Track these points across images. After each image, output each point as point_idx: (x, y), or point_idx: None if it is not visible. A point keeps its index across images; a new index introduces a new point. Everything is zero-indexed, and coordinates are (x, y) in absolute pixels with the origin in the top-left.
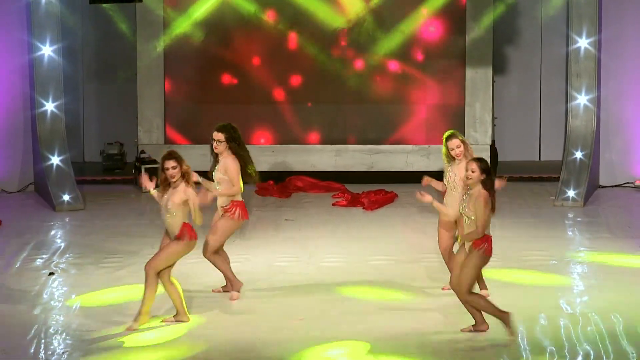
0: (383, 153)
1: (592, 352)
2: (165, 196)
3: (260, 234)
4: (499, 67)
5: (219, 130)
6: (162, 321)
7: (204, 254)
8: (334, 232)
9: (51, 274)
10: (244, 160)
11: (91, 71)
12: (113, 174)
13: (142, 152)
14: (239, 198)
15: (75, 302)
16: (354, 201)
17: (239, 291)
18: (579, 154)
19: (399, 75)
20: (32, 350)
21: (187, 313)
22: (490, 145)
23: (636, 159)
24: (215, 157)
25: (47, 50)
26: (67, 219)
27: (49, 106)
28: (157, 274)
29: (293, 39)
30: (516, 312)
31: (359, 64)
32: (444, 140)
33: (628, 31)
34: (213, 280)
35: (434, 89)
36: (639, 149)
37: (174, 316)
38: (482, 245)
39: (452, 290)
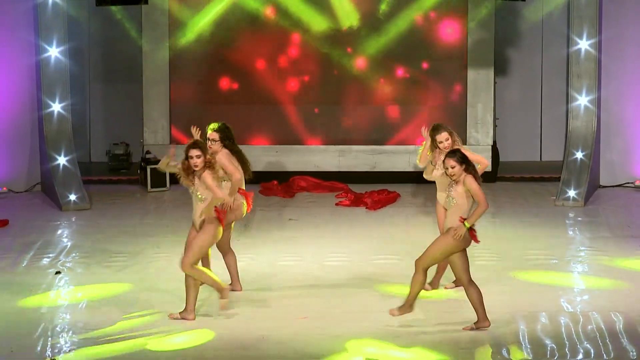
0: (386, 153)
1: (592, 351)
2: (196, 183)
3: (264, 234)
4: (501, 68)
5: (212, 130)
6: (169, 316)
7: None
8: (337, 231)
9: (57, 272)
10: (241, 157)
11: (97, 72)
12: (119, 174)
13: (148, 152)
14: (242, 186)
15: (81, 300)
16: (357, 201)
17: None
18: (579, 154)
19: (401, 77)
20: (39, 349)
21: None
22: (492, 146)
23: (636, 159)
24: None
25: (53, 52)
26: (73, 219)
27: (56, 107)
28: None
29: (297, 40)
30: (517, 311)
31: (363, 65)
32: (430, 132)
33: (628, 32)
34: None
35: (436, 90)
36: (639, 150)
37: (180, 313)
38: (460, 227)
39: (454, 287)
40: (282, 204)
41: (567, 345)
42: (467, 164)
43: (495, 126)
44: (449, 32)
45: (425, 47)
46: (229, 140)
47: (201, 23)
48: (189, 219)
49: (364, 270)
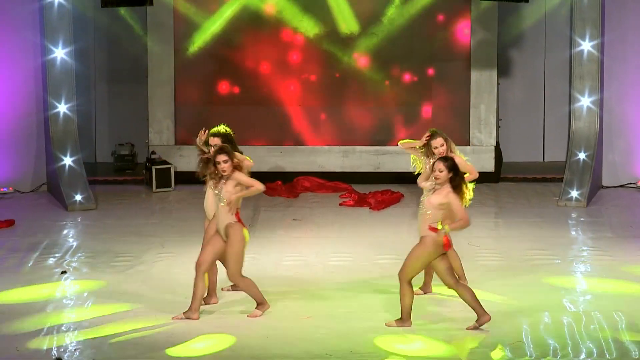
0: (389, 154)
1: (594, 350)
2: (220, 186)
3: (268, 234)
4: (504, 69)
5: (214, 136)
6: (172, 318)
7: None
8: (341, 231)
9: (63, 272)
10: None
11: (103, 73)
12: (124, 174)
13: (153, 152)
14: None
15: (87, 300)
16: (361, 201)
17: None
18: (582, 155)
19: (405, 78)
20: (45, 348)
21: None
22: (495, 147)
23: (638, 159)
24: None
25: (59, 53)
26: (79, 219)
27: (62, 108)
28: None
29: (301, 41)
30: (520, 311)
31: (367, 66)
32: (426, 138)
33: (630, 34)
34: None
35: (439, 90)
36: None
37: (184, 313)
38: (440, 231)
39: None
40: (286, 204)
41: (570, 344)
42: (455, 174)
43: (498, 127)
44: (452, 33)
45: (429, 48)
46: (230, 144)
47: (206, 24)
48: (194, 218)
49: (367, 270)
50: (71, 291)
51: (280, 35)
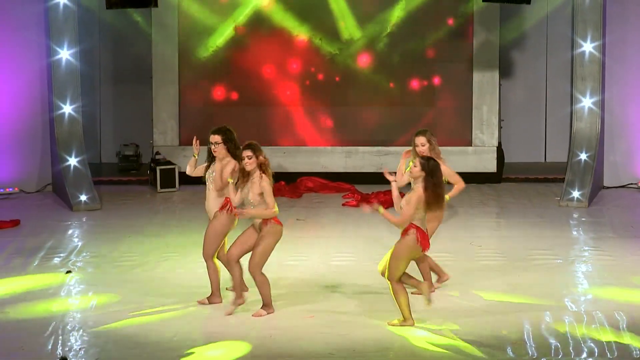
0: (392, 154)
1: (596, 349)
2: (245, 189)
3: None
4: (506, 70)
5: (215, 133)
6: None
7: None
8: (343, 231)
9: (68, 272)
10: (240, 160)
11: (108, 74)
12: (129, 174)
13: (157, 153)
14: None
15: (91, 299)
16: (364, 201)
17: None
18: (583, 156)
19: (407, 79)
20: (50, 347)
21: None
22: (497, 147)
23: (639, 160)
24: (211, 160)
25: (64, 54)
26: (84, 219)
27: (67, 109)
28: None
29: (304, 43)
30: (522, 310)
31: (370, 68)
32: (414, 136)
33: (631, 36)
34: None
35: (442, 91)
36: None
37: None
38: (409, 234)
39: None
40: (290, 205)
41: (571, 344)
42: (426, 175)
43: (500, 128)
44: (455, 35)
45: (431, 50)
46: (231, 142)
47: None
48: (199, 218)
49: (370, 270)
50: (76, 291)
51: (284, 38)
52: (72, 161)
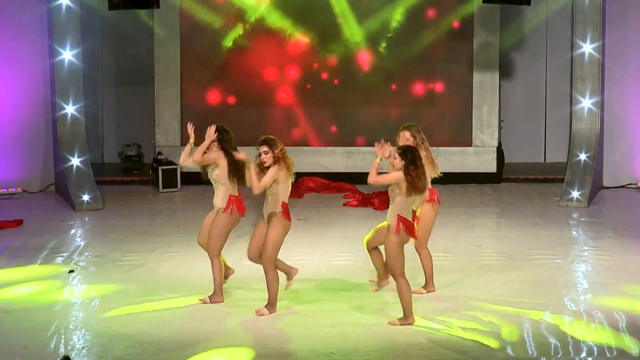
0: None
1: (595, 349)
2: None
3: None
4: (506, 71)
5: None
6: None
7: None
8: (345, 231)
9: (71, 271)
10: (236, 163)
11: (110, 75)
12: (131, 174)
13: (159, 153)
14: (235, 193)
15: (94, 299)
16: (365, 201)
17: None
18: (583, 156)
19: (408, 80)
20: (53, 346)
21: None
22: (497, 147)
23: (639, 160)
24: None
25: (67, 55)
26: (86, 219)
27: (69, 109)
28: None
29: (306, 44)
30: (522, 309)
31: (370, 68)
32: (400, 130)
33: (631, 37)
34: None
35: (442, 92)
36: None
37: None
38: (391, 230)
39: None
40: (291, 205)
41: (571, 343)
42: (412, 165)
43: (500, 128)
44: (455, 36)
45: (432, 51)
46: (226, 142)
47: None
48: (200, 218)
49: (371, 269)
50: (78, 290)
51: (286, 39)
52: (75, 161)
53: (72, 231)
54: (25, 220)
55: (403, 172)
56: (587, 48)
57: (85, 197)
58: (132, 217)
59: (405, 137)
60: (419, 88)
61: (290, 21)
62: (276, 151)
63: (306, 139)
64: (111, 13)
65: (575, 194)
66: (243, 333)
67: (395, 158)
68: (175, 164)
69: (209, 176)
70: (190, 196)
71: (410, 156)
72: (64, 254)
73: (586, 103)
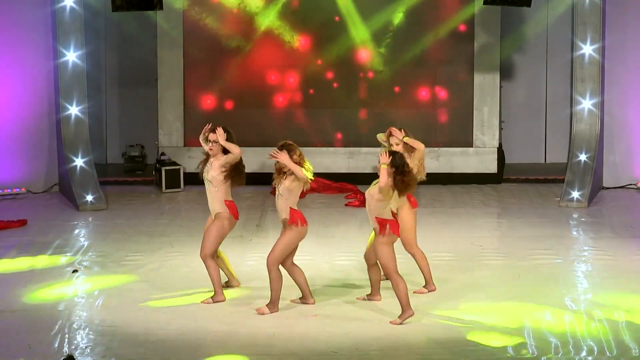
0: None
1: (595, 348)
2: (280, 183)
3: (275, 233)
4: (506, 72)
5: (214, 132)
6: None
7: (201, 255)
8: (346, 231)
9: (75, 271)
10: (237, 163)
11: (114, 76)
12: (134, 175)
13: (163, 154)
14: (229, 197)
15: (97, 298)
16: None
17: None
18: (583, 157)
19: (409, 80)
20: (57, 345)
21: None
22: (498, 148)
23: (638, 161)
24: (206, 159)
25: (71, 56)
26: (90, 219)
27: (73, 110)
28: (279, 264)
29: (307, 45)
30: (522, 308)
31: (372, 68)
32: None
33: (631, 38)
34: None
35: (443, 93)
36: None
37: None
38: (381, 230)
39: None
40: None
41: (571, 342)
42: (400, 171)
43: (501, 129)
44: (456, 37)
45: (434, 53)
46: (228, 142)
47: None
48: (203, 218)
49: None
50: (82, 290)
51: (288, 39)
52: (79, 162)
53: (76, 231)
54: (29, 220)
55: (392, 181)
56: (587, 49)
57: (89, 198)
58: (135, 217)
59: (396, 142)
60: (420, 89)
61: (293, 22)
62: (294, 156)
63: (308, 139)
64: (115, 15)
65: (575, 194)
66: (245, 332)
67: (399, 143)
68: (178, 165)
69: (204, 176)
70: (193, 196)
71: (397, 162)
72: (68, 254)
73: (586, 104)
